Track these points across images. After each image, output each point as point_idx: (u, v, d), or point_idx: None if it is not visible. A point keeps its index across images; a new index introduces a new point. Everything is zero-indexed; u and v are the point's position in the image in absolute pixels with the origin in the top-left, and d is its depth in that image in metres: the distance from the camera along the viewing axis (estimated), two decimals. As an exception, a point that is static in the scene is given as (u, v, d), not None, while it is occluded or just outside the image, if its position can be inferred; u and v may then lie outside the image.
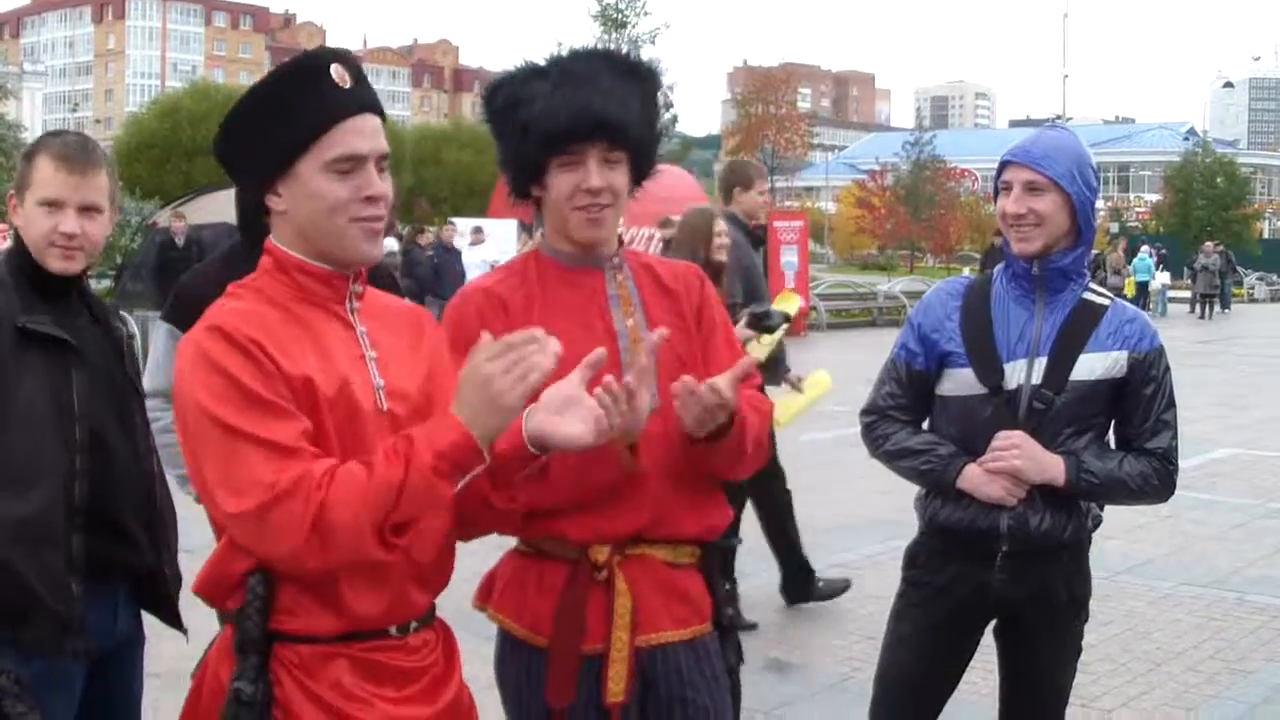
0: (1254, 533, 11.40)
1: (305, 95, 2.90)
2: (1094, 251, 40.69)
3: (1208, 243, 49.37)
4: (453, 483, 2.77)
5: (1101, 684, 7.38)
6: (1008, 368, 4.20)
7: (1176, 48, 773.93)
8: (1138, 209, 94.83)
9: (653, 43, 61.67)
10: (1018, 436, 4.15)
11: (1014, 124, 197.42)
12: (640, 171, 3.64)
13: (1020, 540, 4.22)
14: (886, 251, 78.75)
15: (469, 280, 21.01)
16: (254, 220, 4.70)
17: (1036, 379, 4.18)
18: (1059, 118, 65.33)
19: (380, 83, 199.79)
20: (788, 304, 9.13)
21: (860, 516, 10.37)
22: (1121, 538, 10.68)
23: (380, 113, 3.00)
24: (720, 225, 8.21)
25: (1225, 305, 47.03)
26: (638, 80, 3.61)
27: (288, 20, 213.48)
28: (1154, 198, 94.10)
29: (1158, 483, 4.25)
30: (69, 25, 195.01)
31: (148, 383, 4.71)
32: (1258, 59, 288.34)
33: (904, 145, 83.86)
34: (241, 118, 2.96)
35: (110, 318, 4.08)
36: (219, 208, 25.79)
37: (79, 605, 3.74)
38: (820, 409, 9.43)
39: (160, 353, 5.04)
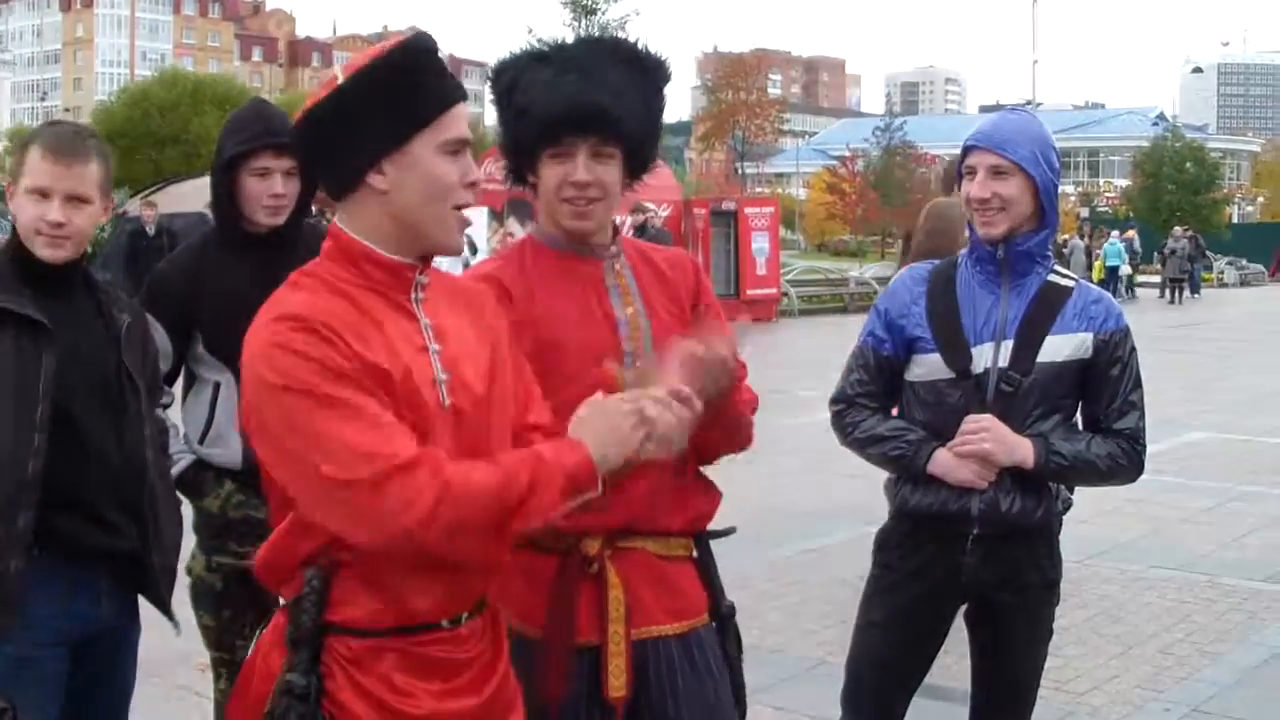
0: (1225, 516, 11.46)
1: (429, 74, 2.90)
2: (1063, 236, 40.73)
3: (1177, 227, 49.53)
4: (567, 504, 2.80)
5: (1073, 667, 7.41)
6: (975, 351, 4.22)
7: (1146, 33, 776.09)
8: (1107, 194, 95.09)
9: (623, 29, 61.64)
10: (986, 420, 4.17)
11: (984, 109, 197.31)
12: (638, 165, 3.62)
13: (991, 523, 4.24)
14: (857, 238, 78.75)
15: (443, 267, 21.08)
16: (228, 209, 4.74)
17: (1003, 362, 4.20)
18: (1029, 103, 65.38)
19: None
20: None
21: (834, 501, 10.34)
22: (1093, 521, 10.72)
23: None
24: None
25: (1195, 290, 47.16)
26: (641, 72, 3.59)
27: (257, 7, 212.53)
28: (1124, 183, 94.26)
29: (1126, 463, 4.27)
30: (37, 13, 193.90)
31: None
32: (1227, 44, 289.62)
33: (874, 131, 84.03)
34: (361, 89, 2.87)
35: (112, 308, 4.09)
36: (189, 196, 25.73)
37: (12, 582, 3.72)
38: (798, 393, 9.46)
39: None
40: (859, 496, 10.33)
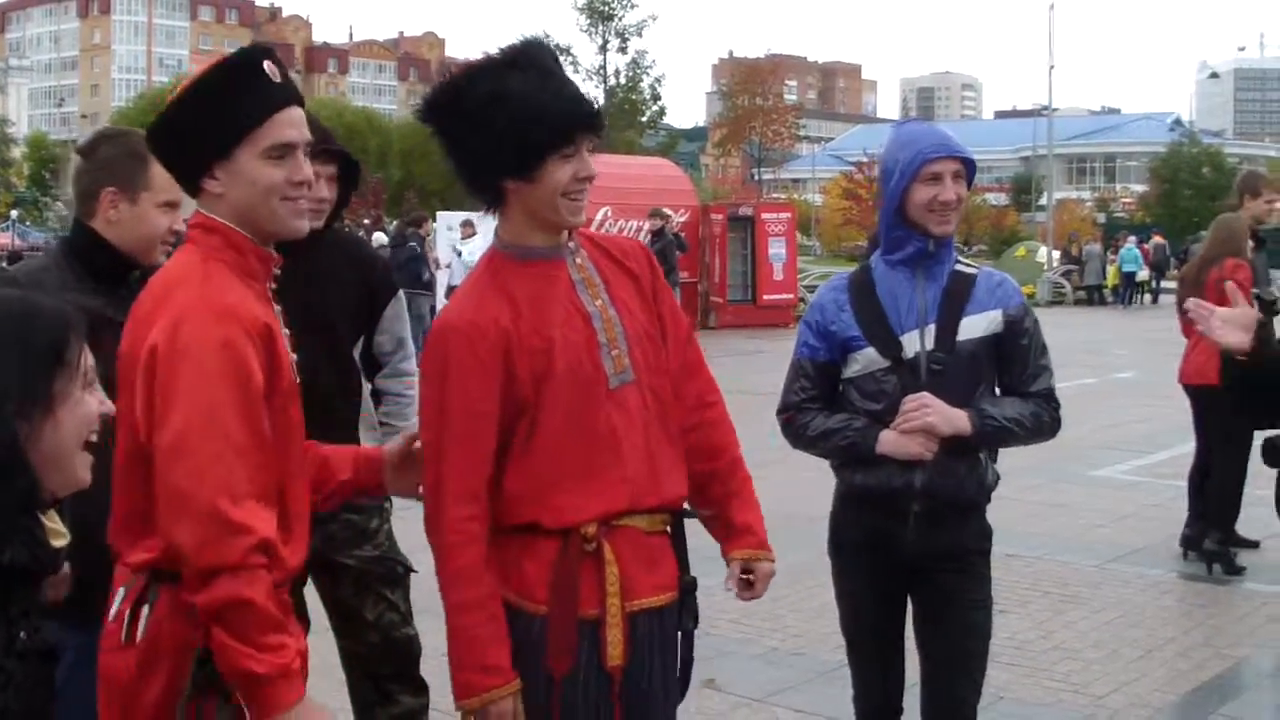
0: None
1: (244, 87, 3.21)
2: (1092, 245, 40.40)
3: (1189, 236, 49.51)
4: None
5: (1093, 670, 7.43)
6: (904, 339, 4.56)
7: (1161, 38, 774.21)
8: (1124, 200, 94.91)
9: (640, 35, 61.86)
10: (924, 396, 4.50)
11: (1000, 115, 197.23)
12: None
13: (932, 496, 4.55)
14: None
15: (438, 272, 20.78)
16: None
17: (929, 344, 4.52)
18: (1045, 109, 65.30)
19: (367, 76, 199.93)
20: None
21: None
22: (1111, 526, 10.76)
23: (303, 104, 3.35)
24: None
25: (1211, 295, 46.89)
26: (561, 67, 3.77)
27: (274, 14, 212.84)
28: (1140, 188, 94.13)
29: (1047, 419, 4.63)
30: (55, 20, 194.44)
31: None
32: (1243, 49, 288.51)
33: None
34: (185, 106, 3.24)
35: None
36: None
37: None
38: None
39: None
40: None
